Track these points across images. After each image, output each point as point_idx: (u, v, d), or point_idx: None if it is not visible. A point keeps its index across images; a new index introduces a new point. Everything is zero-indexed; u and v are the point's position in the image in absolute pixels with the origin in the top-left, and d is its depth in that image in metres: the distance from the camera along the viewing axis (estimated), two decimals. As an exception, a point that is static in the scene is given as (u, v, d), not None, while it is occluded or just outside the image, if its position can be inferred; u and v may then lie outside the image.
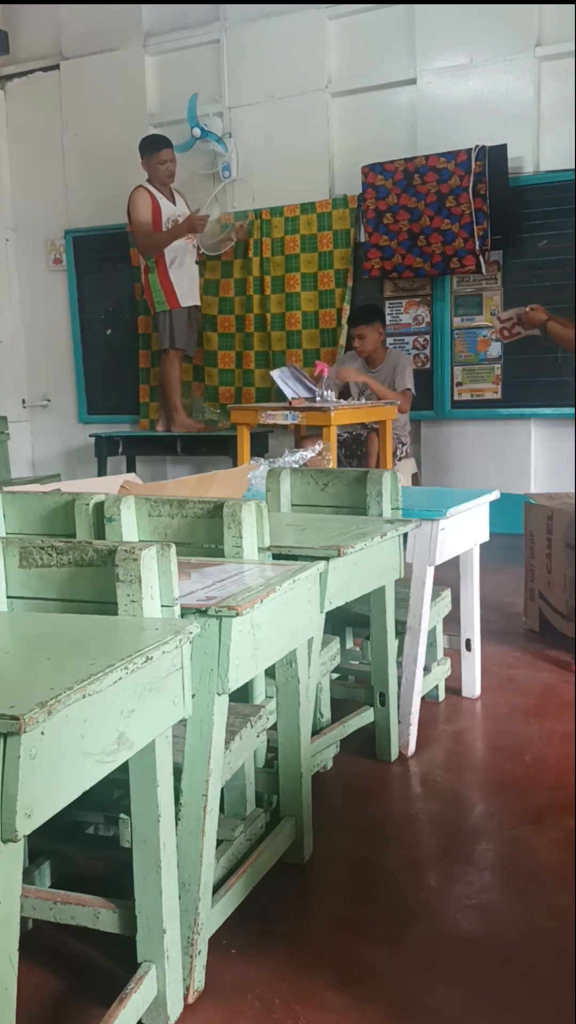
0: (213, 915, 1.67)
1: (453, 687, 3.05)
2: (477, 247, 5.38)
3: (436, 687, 2.96)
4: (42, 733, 1.10)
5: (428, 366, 5.87)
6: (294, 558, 1.95)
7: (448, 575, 2.94)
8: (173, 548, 1.50)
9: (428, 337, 5.86)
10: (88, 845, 1.99)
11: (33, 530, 1.97)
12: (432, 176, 5.46)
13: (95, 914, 1.61)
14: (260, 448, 6.03)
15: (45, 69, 6.82)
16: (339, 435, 5.22)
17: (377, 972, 1.67)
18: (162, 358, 6.02)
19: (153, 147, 5.81)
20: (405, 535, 2.47)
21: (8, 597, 1.58)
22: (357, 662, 2.94)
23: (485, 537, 2.92)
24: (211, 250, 6.15)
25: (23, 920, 1.68)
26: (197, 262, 6.06)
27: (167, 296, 5.87)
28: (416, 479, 5.93)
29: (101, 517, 1.88)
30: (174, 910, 1.53)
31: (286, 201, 6.08)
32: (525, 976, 1.65)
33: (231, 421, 5.25)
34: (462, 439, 5.88)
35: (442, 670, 2.96)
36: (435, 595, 2.78)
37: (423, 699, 2.82)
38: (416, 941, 1.77)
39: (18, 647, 1.38)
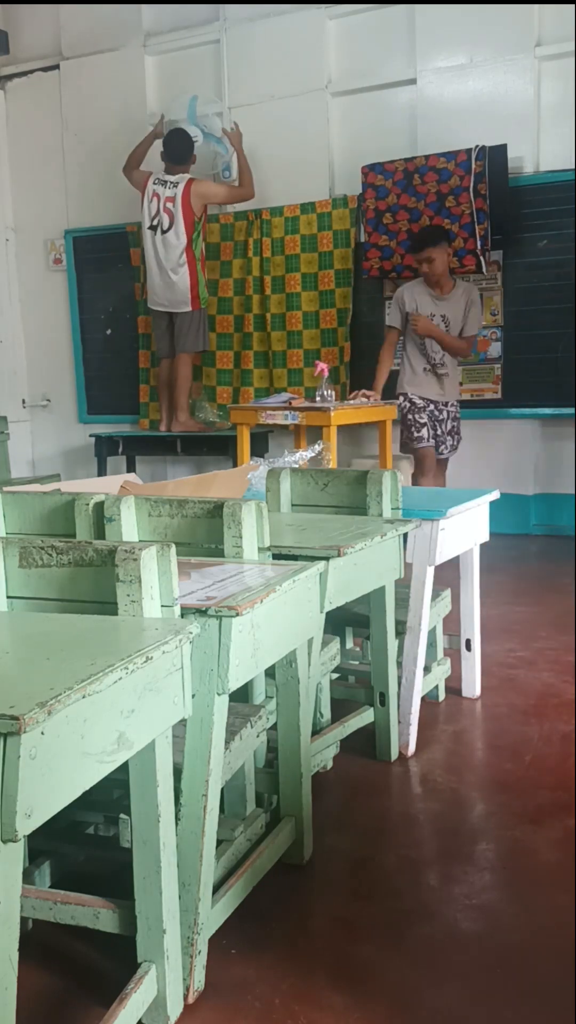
0: (213, 915, 1.67)
1: (453, 687, 3.05)
2: (477, 247, 5.38)
3: (436, 687, 2.96)
4: (42, 733, 1.10)
5: (428, 366, 5.87)
6: (294, 558, 1.95)
7: (448, 575, 2.94)
8: (173, 548, 1.50)
9: (428, 337, 5.85)
10: (88, 845, 1.99)
11: (33, 530, 1.97)
12: (432, 176, 5.46)
13: (95, 914, 1.61)
14: (260, 448, 6.03)
15: (45, 69, 6.82)
16: None
17: (377, 972, 1.67)
18: (178, 357, 6.01)
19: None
20: (405, 535, 2.47)
21: (8, 597, 1.58)
22: (357, 662, 2.94)
23: (485, 537, 2.92)
24: None
25: (23, 920, 1.68)
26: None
27: (206, 291, 5.89)
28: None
29: (101, 517, 1.88)
30: (174, 910, 1.53)
31: (286, 201, 6.08)
32: (525, 976, 1.65)
33: (231, 421, 5.26)
34: (462, 439, 5.87)
35: (442, 670, 2.96)
36: (435, 595, 2.78)
37: (423, 699, 2.82)
38: (416, 941, 1.76)
39: (18, 647, 1.38)
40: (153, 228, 5.86)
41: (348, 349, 5.98)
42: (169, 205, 5.77)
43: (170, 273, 5.85)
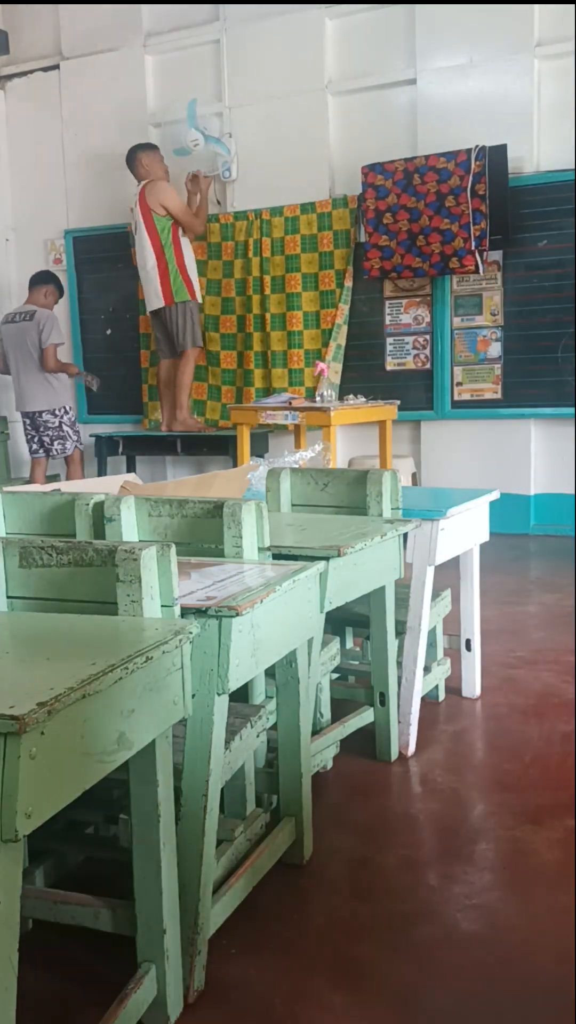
0: (213, 915, 1.67)
1: (453, 687, 3.05)
2: (474, 247, 5.39)
3: (436, 687, 2.96)
4: (42, 733, 1.10)
5: (428, 366, 5.88)
6: (294, 558, 1.95)
7: (448, 575, 2.94)
8: (173, 548, 1.50)
9: (428, 337, 5.86)
10: (88, 845, 1.99)
11: (33, 530, 1.97)
12: (432, 176, 5.46)
13: (95, 914, 1.61)
14: (260, 448, 6.03)
15: (45, 69, 6.82)
16: None
17: (377, 972, 1.67)
18: (181, 356, 6.03)
19: (152, 147, 5.99)
20: (405, 535, 2.47)
21: (8, 597, 1.58)
22: (357, 662, 2.94)
23: (485, 537, 2.92)
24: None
25: (23, 920, 1.68)
26: (197, 261, 6.12)
27: (187, 287, 5.94)
28: (415, 479, 5.93)
29: (101, 517, 1.88)
30: (174, 910, 1.53)
31: (286, 201, 6.08)
32: (525, 976, 1.65)
33: (231, 421, 5.26)
34: (462, 439, 5.88)
35: (442, 670, 2.96)
36: (435, 595, 2.78)
37: (423, 699, 2.82)
38: (416, 941, 1.76)
39: (18, 647, 1.38)
40: (133, 233, 6.07)
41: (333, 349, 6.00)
42: (136, 208, 5.98)
43: (145, 271, 5.98)
